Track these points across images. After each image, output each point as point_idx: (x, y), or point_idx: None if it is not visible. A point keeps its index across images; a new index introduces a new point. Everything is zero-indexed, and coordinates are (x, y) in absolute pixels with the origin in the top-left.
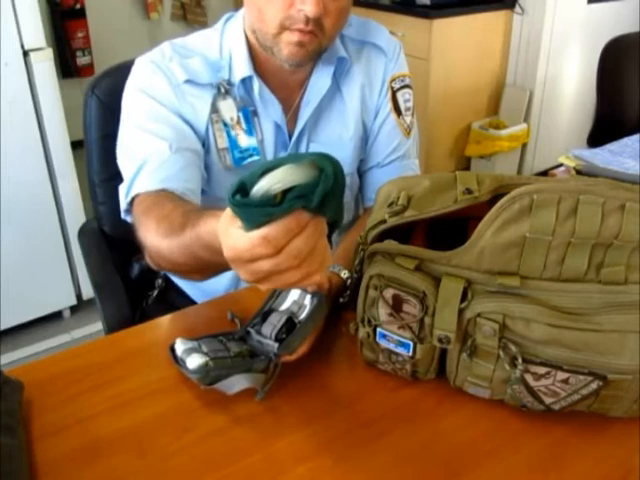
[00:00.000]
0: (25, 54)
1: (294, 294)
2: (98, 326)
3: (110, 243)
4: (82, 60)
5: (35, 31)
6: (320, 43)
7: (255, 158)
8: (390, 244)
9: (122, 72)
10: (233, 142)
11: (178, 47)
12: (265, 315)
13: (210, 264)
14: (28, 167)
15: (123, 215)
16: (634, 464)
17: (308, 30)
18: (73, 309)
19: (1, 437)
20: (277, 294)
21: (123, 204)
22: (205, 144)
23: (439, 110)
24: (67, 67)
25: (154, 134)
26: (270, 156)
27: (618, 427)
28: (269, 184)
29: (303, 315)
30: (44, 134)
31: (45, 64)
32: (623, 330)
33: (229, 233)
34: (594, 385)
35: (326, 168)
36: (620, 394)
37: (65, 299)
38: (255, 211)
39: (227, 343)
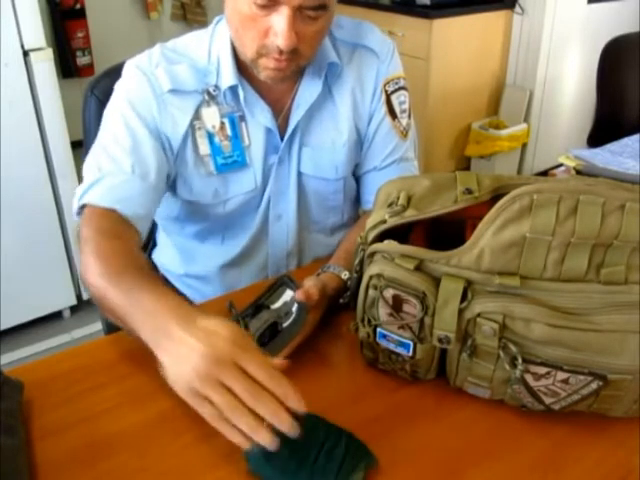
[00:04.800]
0: (25, 54)
1: (287, 295)
2: (98, 326)
3: None
4: (82, 60)
5: (35, 31)
6: (298, 64)
7: (239, 166)
8: (390, 244)
9: (122, 72)
10: (216, 149)
11: (168, 51)
12: (257, 308)
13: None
14: (28, 167)
15: (74, 215)
16: (634, 464)
17: (284, 59)
18: (73, 309)
19: (1, 437)
20: (273, 290)
21: (75, 205)
22: (180, 155)
23: (439, 110)
24: (67, 67)
25: (123, 150)
26: (257, 162)
27: (618, 427)
28: None
29: (286, 323)
30: (44, 134)
31: (45, 64)
32: (623, 330)
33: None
34: (594, 385)
35: None
36: (620, 394)
37: (65, 299)
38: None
39: None
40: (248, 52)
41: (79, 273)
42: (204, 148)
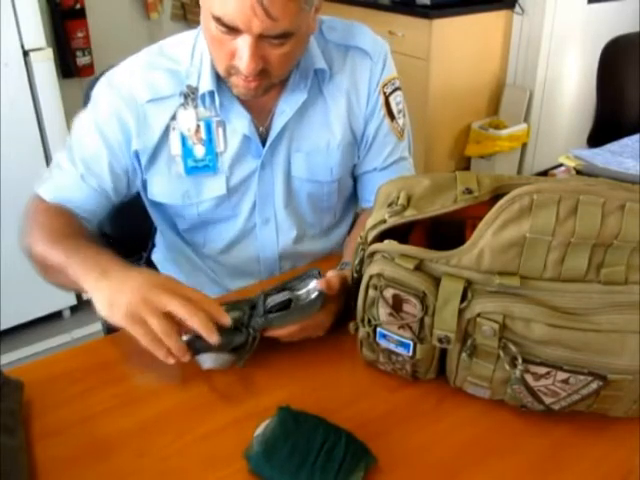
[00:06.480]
0: (25, 54)
1: (312, 284)
2: (98, 326)
3: (109, 243)
4: (82, 60)
5: (35, 31)
6: (270, 82)
7: (209, 170)
8: (390, 244)
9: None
10: (188, 151)
11: (154, 56)
12: (281, 289)
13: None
14: (28, 167)
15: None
16: (634, 464)
17: (251, 79)
18: (73, 309)
19: (1, 437)
20: (300, 280)
21: (36, 185)
22: (154, 155)
23: (439, 110)
24: (67, 67)
25: (81, 157)
26: (231, 168)
27: (618, 427)
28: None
29: (300, 303)
30: (44, 134)
31: (45, 64)
32: (623, 330)
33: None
34: (594, 385)
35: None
36: (620, 394)
37: (65, 299)
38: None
39: (230, 312)
40: (219, 69)
41: (22, 247)
42: (175, 148)
